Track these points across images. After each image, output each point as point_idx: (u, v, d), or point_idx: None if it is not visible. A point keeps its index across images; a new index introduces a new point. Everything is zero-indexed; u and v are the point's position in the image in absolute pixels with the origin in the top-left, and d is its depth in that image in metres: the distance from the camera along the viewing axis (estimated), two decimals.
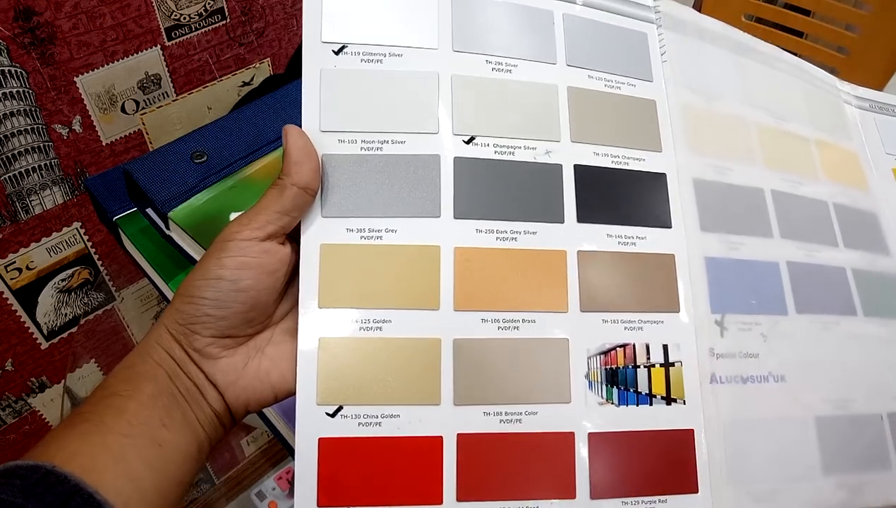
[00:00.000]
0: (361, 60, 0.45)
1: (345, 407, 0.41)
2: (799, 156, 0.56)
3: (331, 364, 0.41)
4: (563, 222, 0.46)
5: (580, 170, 0.47)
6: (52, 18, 0.72)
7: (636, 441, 0.44)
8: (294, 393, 0.41)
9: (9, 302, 0.86)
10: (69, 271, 0.91)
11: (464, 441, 0.41)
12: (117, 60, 0.80)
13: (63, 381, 0.96)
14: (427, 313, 0.43)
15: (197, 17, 0.85)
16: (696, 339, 0.46)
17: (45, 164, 0.80)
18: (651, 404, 0.44)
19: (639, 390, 0.44)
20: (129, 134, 0.87)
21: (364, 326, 0.42)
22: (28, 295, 0.87)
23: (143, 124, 0.87)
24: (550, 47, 0.49)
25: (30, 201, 0.81)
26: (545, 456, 0.42)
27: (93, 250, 0.91)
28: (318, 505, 0.40)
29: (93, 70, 0.79)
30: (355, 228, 0.43)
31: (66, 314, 0.93)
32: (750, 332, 0.48)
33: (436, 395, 0.42)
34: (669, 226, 0.48)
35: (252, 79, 0.96)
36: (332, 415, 0.41)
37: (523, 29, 0.48)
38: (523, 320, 0.44)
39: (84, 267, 0.92)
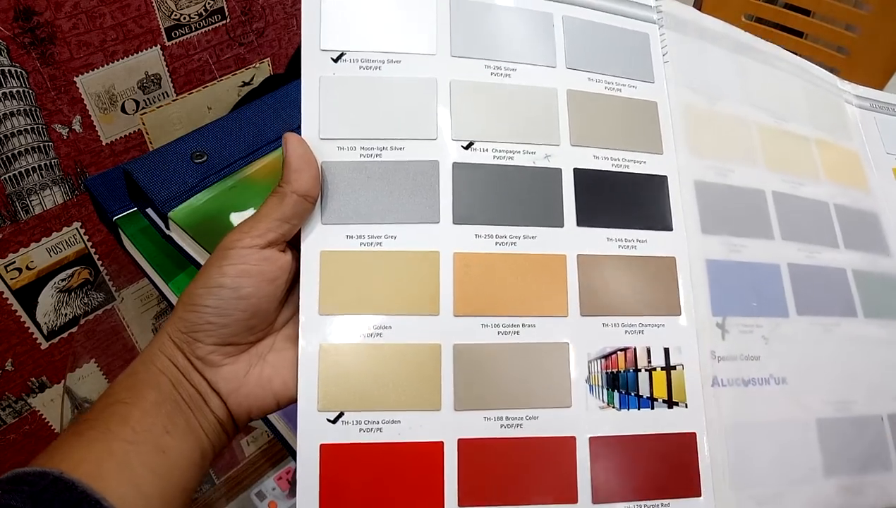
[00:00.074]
0: (360, 67, 0.45)
1: (346, 414, 0.41)
2: (799, 156, 0.56)
3: (331, 370, 0.41)
4: (562, 226, 0.46)
5: (580, 174, 0.47)
6: (52, 18, 0.72)
7: (638, 445, 0.43)
8: (296, 400, 0.41)
9: (9, 302, 0.86)
10: (69, 271, 0.91)
11: (465, 446, 0.41)
12: (117, 60, 0.80)
13: (63, 381, 0.96)
14: (427, 319, 0.43)
15: (197, 17, 0.85)
16: (697, 342, 0.46)
17: (45, 164, 0.80)
18: (653, 408, 0.44)
19: (640, 394, 0.44)
20: (129, 134, 0.87)
21: (364, 332, 0.42)
22: (28, 295, 0.87)
23: (143, 124, 0.87)
24: (550, 50, 0.49)
25: (30, 201, 0.81)
26: (546, 461, 0.42)
27: (93, 250, 0.91)
28: None
29: (93, 70, 0.79)
30: (355, 235, 0.43)
31: (66, 314, 0.93)
32: (751, 335, 0.48)
33: (436, 401, 0.42)
34: (670, 229, 0.48)
35: (252, 79, 0.96)
36: (334, 421, 0.41)
37: (522, 32, 0.48)
38: (523, 325, 0.44)
39: (84, 268, 0.92)
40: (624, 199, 0.47)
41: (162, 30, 0.82)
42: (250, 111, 0.72)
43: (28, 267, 0.85)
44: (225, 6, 0.87)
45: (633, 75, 0.50)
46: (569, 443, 0.43)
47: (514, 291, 0.44)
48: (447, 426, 0.42)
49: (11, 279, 0.84)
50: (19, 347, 0.90)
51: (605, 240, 0.46)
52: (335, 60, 0.45)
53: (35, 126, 0.77)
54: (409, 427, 0.41)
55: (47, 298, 0.90)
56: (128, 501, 0.36)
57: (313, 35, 0.45)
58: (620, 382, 0.44)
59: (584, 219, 0.46)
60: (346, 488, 0.40)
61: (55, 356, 0.95)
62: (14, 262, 0.83)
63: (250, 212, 0.63)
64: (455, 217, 0.44)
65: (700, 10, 1.12)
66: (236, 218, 0.63)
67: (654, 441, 0.44)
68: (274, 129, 0.71)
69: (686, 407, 0.45)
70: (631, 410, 0.44)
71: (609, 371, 0.44)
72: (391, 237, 0.43)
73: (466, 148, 0.45)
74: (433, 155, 0.45)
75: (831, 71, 0.64)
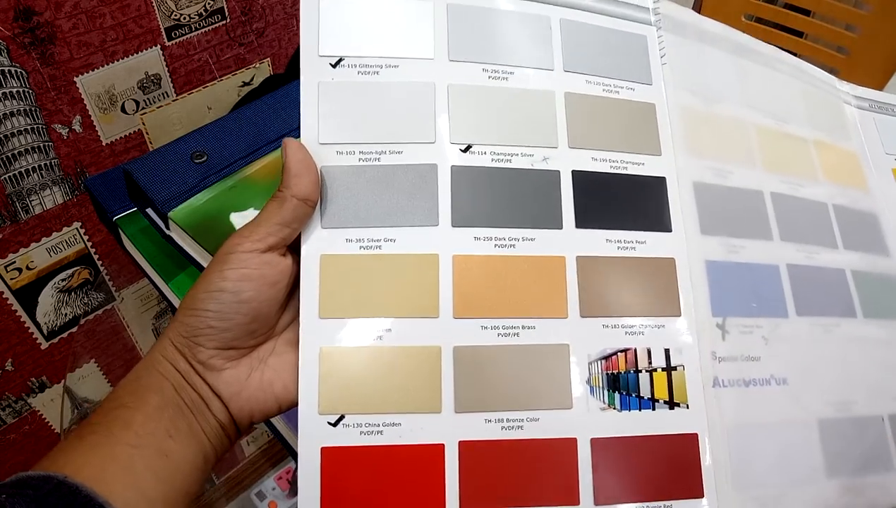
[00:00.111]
0: (358, 73, 0.45)
1: (346, 416, 0.41)
2: (798, 157, 0.56)
3: (332, 373, 0.42)
4: (561, 228, 0.46)
5: (578, 176, 0.47)
6: (52, 18, 0.72)
7: (639, 447, 0.43)
8: (297, 404, 0.41)
9: (9, 302, 0.86)
10: (69, 271, 0.91)
11: (466, 448, 0.42)
12: (117, 60, 0.80)
13: (63, 381, 0.96)
14: (427, 321, 0.43)
15: (197, 17, 0.85)
16: (697, 343, 0.46)
17: (45, 164, 0.80)
18: (654, 409, 0.44)
19: (641, 395, 0.44)
20: (129, 134, 0.87)
21: (364, 335, 0.42)
22: (28, 295, 0.88)
23: (143, 124, 0.88)
24: (547, 53, 0.49)
25: (30, 201, 0.81)
26: (548, 463, 0.42)
27: (93, 250, 0.91)
28: None
29: (93, 70, 0.79)
30: (354, 238, 0.43)
31: (66, 314, 0.93)
32: (751, 335, 0.48)
33: (437, 403, 0.42)
34: (669, 230, 0.48)
35: (252, 79, 0.96)
36: (334, 424, 0.41)
37: (520, 36, 0.48)
38: (523, 326, 0.44)
39: (84, 267, 0.92)
40: (623, 201, 0.47)
41: (162, 30, 0.82)
42: (250, 111, 0.72)
43: (28, 267, 0.85)
44: (225, 6, 0.87)
45: (631, 77, 0.50)
46: (570, 445, 0.43)
47: (514, 293, 0.44)
48: (448, 428, 0.42)
49: (11, 279, 0.84)
50: (19, 347, 0.90)
51: (605, 242, 0.46)
52: (334, 66, 0.45)
53: (35, 126, 0.77)
54: (409, 430, 0.41)
55: (47, 298, 0.90)
56: (132, 505, 0.36)
57: (312, 41, 0.45)
58: (621, 383, 0.44)
59: (582, 221, 0.46)
60: (348, 491, 0.40)
61: (55, 356, 0.95)
62: (14, 262, 0.83)
63: (250, 211, 0.64)
64: (454, 220, 0.44)
65: (700, 10, 1.13)
66: (236, 218, 0.63)
67: (656, 443, 0.44)
68: (274, 129, 0.71)
69: (687, 407, 0.45)
70: (632, 411, 0.44)
71: (610, 372, 0.44)
72: (390, 240, 0.44)
73: (465, 151, 0.45)
74: (432, 158, 0.45)
75: (831, 71, 0.64)
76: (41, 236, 0.84)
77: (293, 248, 0.44)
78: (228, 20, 0.89)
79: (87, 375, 0.96)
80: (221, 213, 0.63)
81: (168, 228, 0.65)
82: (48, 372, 0.96)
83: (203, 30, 0.87)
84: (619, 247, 0.46)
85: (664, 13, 0.53)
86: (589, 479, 0.42)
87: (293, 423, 0.54)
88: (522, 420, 0.42)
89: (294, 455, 0.61)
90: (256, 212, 0.62)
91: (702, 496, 0.44)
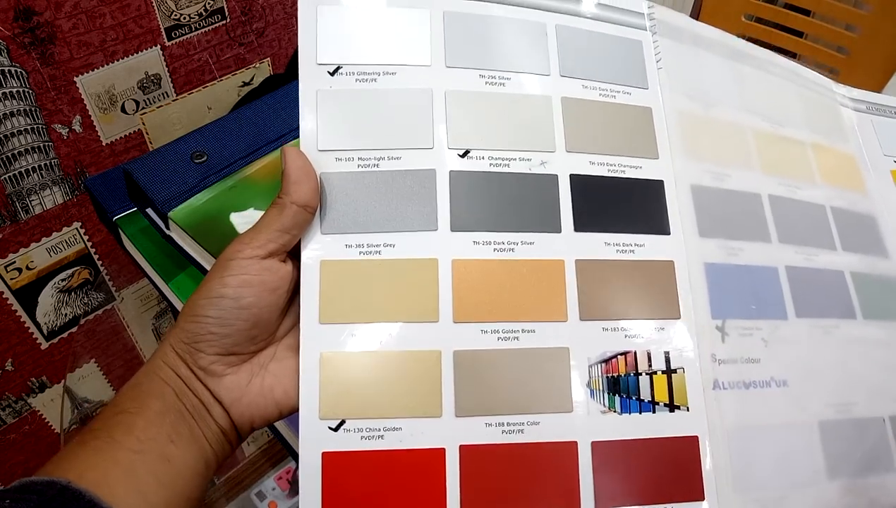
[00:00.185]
0: (356, 80, 0.45)
1: (347, 421, 0.41)
2: (796, 160, 0.56)
3: (332, 378, 0.42)
4: (560, 232, 0.46)
5: (576, 180, 0.47)
6: (52, 18, 0.72)
7: (640, 450, 0.43)
8: (298, 409, 0.42)
9: (9, 302, 0.86)
10: (69, 271, 0.91)
11: (466, 452, 0.42)
12: (117, 60, 0.80)
13: (63, 381, 0.96)
14: (427, 326, 0.43)
15: (197, 17, 0.85)
16: (697, 345, 0.46)
17: (45, 164, 0.80)
18: (654, 411, 0.44)
19: (641, 398, 0.44)
20: (129, 134, 0.87)
21: (365, 340, 0.42)
22: (28, 295, 0.88)
23: (143, 124, 0.88)
24: (544, 59, 0.49)
25: (30, 201, 0.81)
26: (548, 466, 0.42)
27: (93, 250, 0.92)
28: None
29: (93, 70, 0.79)
30: (354, 244, 0.44)
31: (66, 314, 0.94)
32: (751, 337, 0.48)
33: (437, 407, 0.42)
34: (668, 233, 0.48)
35: (252, 79, 0.97)
36: (335, 429, 0.41)
37: (516, 42, 0.49)
38: (523, 330, 0.44)
39: (84, 268, 0.92)
40: (621, 204, 0.47)
41: (162, 30, 0.83)
42: (250, 111, 0.72)
43: (28, 267, 0.85)
44: (225, 6, 0.87)
45: (627, 82, 0.51)
46: (570, 448, 0.43)
47: (513, 297, 0.44)
48: (448, 432, 0.42)
49: (11, 279, 0.84)
50: (19, 347, 0.90)
51: (603, 245, 0.46)
52: (332, 74, 0.45)
53: (35, 126, 0.77)
54: (410, 434, 0.41)
55: (47, 298, 0.90)
56: None
57: (310, 49, 0.45)
58: (621, 386, 0.44)
59: (581, 225, 0.46)
60: (349, 495, 0.40)
61: (55, 356, 0.95)
62: (14, 262, 0.83)
63: (250, 211, 0.64)
64: (453, 224, 0.45)
65: (700, 10, 1.13)
66: (236, 218, 0.63)
67: (656, 445, 0.44)
68: (274, 129, 0.71)
69: (687, 410, 0.45)
70: (632, 414, 0.44)
71: (609, 375, 0.44)
72: (390, 245, 0.44)
73: (463, 156, 0.46)
74: (430, 163, 0.45)
75: (831, 71, 0.64)
76: (41, 236, 0.85)
77: (293, 254, 0.44)
78: (228, 20, 0.89)
79: (87, 375, 0.96)
80: (221, 213, 0.63)
81: (168, 228, 0.65)
82: (48, 372, 0.96)
83: (203, 30, 0.87)
84: (617, 251, 0.46)
85: (659, 18, 0.53)
86: (590, 482, 0.42)
87: (293, 424, 0.54)
88: (523, 423, 0.42)
89: (294, 456, 0.61)
90: (256, 212, 0.63)
91: (702, 498, 0.44)
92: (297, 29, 0.45)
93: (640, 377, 0.45)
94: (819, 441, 0.47)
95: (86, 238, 0.90)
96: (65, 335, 0.95)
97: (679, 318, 0.46)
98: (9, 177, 0.77)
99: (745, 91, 0.56)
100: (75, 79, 0.78)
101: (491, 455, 0.42)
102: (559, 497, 0.42)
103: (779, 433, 0.46)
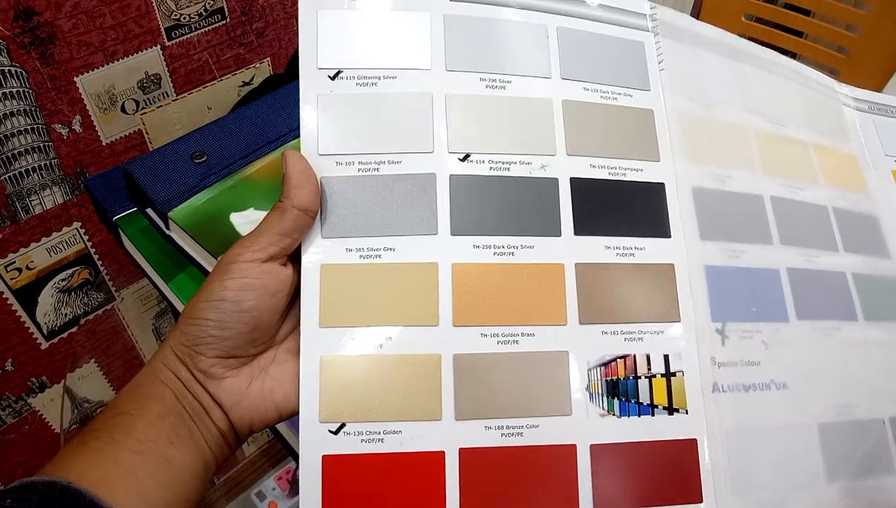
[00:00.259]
0: (357, 84, 0.46)
1: (347, 425, 0.41)
2: (798, 160, 0.56)
3: (333, 382, 0.42)
4: (560, 235, 0.46)
5: (576, 183, 0.47)
6: (52, 18, 0.72)
7: (639, 453, 0.44)
8: (298, 412, 0.42)
9: (9, 302, 0.86)
10: (69, 271, 0.91)
11: (466, 455, 0.42)
12: (117, 60, 0.80)
13: (63, 381, 0.96)
14: (427, 329, 0.43)
15: (197, 17, 0.85)
16: (697, 348, 0.46)
17: (45, 164, 0.80)
18: (653, 414, 0.44)
19: (640, 401, 0.44)
20: (129, 134, 0.87)
21: (365, 344, 0.42)
22: (28, 295, 0.88)
23: (143, 124, 0.88)
24: (544, 62, 0.49)
25: (30, 201, 0.81)
26: (547, 469, 0.42)
27: (93, 250, 0.91)
28: None
29: (93, 70, 0.79)
30: (354, 248, 0.44)
31: (66, 314, 0.94)
32: (751, 340, 0.48)
33: (437, 410, 0.42)
34: (668, 236, 0.48)
35: (252, 79, 0.96)
36: (335, 433, 0.41)
37: (517, 45, 0.49)
38: (522, 334, 0.44)
39: (84, 267, 0.92)
40: (621, 207, 0.47)
41: (162, 30, 0.82)
42: (250, 111, 0.72)
43: (28, 268, 0.85)
44: (225, 6, 0.87)
45: (629, 84, 0.50)
46: (570, 451, 0.43)
47: (513, 300, 0.44)
48: (448, 435, 0.42)
49: (11, 279, 0.84)
50: (19, 347, 0.90)
51: (604, 248, 0.46)
52: (332, 78, 0.45)
53: (35, 126, 0.77)
54: (410, 438, 0.42)
55: (47, 298, 0.90)
56: None
57: (310, 53, 0.45)
58: (620, 389, 0.44)
59: (581, 228, 0.46)
60: (349, 498, 0.41)
61: (55, 356, 0.95)
62: (14, 262, 0.83)
63: (250, 211, 0.64)
64: (453, 228, 0.45)
65: (700, 10, 1.12)
66: (236, 218, 0.63)
67: (655, 448, 0.44)
68: (274, 129, 0.71)
69: (686, 413, 0.45)
70: (631, 417, 0.44)
71: (609, 378, 0.44)
72: (390, 249, 0.44)
73: (463, 160, 0.46)
74: (430, 167, 0.45)
75: (831, 71, 0.64)
76: (41, 236, 0.85)
77: (294, 258, 0.44)
78: (228, 20, 0.89)
79: (87, 375, 0.96)
80: (221, 213, 0.63)
81: (168, 228, 0.65)
82: (48, 372, 0.96)
83: (203, 30, 0.86)
84: (618, 254, 0.46)
85: (661, 19, 0.53)
86: (588, 485, 0.42)
87: (294, 424, 0.54)
88: (522, 426, 0.43)
89: (294, 456, 0.61)
90: (256, 212, 0.63)
91: (701, 501, 0.44)
92: (297, 29, 0.45)
93: (639, 380, 0.45)
94: (818, 443, 0.47)
95: (86, 238, 0.90)
96: (65, 335, 0.95)
97: (679, 321, 0.46)
98: (9, 177, 0.77)
99: (747, 91, 0.56)
100: (75, 79, 0.78)
101: (490, 458, 0.42)
102: (558, 499, 0.42)
103: (778, 435, 0.47)
